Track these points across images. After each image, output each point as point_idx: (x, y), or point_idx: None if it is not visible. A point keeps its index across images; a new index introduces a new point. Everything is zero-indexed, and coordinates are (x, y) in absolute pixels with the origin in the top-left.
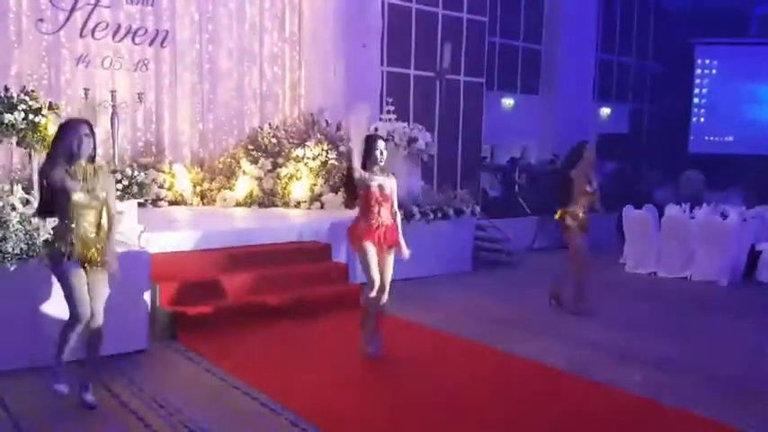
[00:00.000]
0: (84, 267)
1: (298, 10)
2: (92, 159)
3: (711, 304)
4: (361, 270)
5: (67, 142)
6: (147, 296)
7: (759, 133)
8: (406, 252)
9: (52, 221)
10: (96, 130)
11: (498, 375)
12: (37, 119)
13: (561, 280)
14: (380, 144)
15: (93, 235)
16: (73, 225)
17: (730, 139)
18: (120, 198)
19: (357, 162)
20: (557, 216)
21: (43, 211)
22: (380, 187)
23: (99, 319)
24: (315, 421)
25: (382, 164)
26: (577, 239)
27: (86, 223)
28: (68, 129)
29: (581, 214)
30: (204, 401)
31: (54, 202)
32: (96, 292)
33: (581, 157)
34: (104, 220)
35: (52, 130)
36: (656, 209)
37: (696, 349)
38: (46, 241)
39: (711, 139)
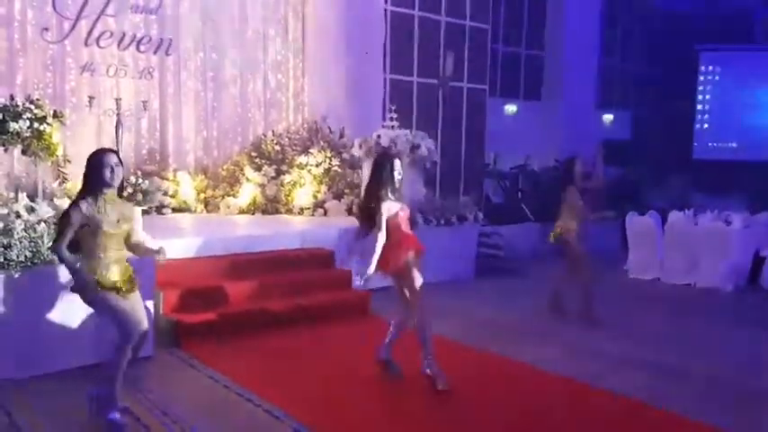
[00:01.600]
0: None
1: (301, 18)
2: (118, 189)
3: (715, 311)
4: (410, 296)
5: (100, 173)
6: (151, 304)
7: (763, 139)
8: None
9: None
10: (101, 138)
11: (505, 383)
12: (42, 127)
13: (583, 291)
14: (398, 164)
15: (121, 264)
16: (102, 257)
17: (734, 145)
18: None
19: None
20: (553, 237)
21: (66, 247)
22: (403, 210)
23: (145, 324)
24: (319, 430)
25: (398, 185)
26: (578, 250)
27: (114, 253)
28: (98, 159)
29: (575, 226)
30: (207, 409)
31: (81, 238)
32: (138, 307)
33: (573, 173)
34: (131, 248)
35: (56, 138)
36: (659, 215)
37: (699, 356)
38: (76, 272)
39: (715, 145)
